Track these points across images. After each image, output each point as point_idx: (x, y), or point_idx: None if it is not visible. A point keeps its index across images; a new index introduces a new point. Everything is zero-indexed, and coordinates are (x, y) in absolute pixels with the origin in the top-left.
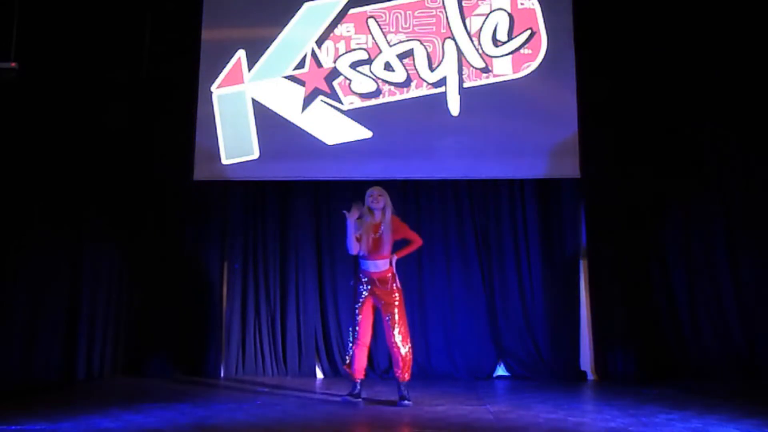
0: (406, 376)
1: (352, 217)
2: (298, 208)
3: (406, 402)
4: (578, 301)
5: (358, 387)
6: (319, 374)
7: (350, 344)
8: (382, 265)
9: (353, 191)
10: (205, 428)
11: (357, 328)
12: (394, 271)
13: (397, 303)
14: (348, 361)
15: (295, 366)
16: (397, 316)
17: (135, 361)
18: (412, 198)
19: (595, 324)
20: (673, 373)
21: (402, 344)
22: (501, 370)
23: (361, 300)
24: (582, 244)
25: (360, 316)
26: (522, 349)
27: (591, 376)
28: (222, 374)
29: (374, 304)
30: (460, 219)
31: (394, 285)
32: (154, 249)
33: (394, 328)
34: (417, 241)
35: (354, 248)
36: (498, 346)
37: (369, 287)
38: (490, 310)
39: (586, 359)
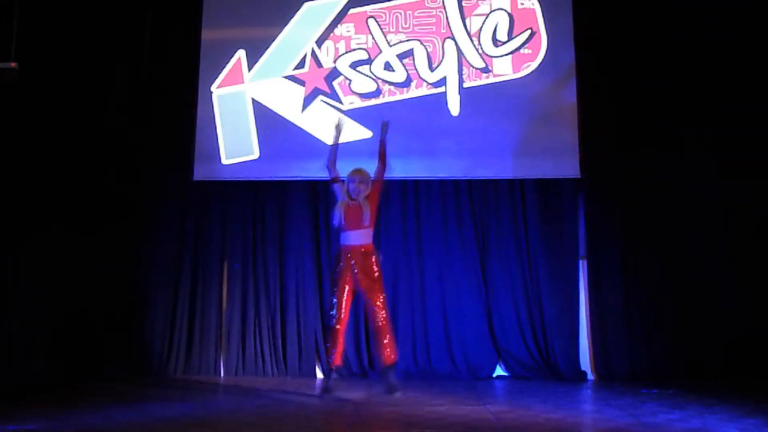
0: (394, 357)
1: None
2: (298, 208)
3: (398, 393)
4: (578, 301)
5: (335, 375)
6: (319, 374)
7: (334, 326)
8: (363, 237)
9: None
10: (205, 428)
11: (335, 309)
12: (375, 248)
13: (377, 279)
14: (329, 345)
15: (295, 366)
16: (378, 294)
17: (134, 360)
18: (412, 198)
19: (595, 324)
20: (674, 373)
21: (387, 321)
22: (501, 370)
23: (339, 280)
24: (582, 244)
25: (339, 295)
26: (522, 349)
27: (591, 376)
28: (222, 374)
29: (353, 286)
30: (460, 219)
31: (375, 259)
32: (153, 249)
33: (376, 308)
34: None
35: (337, 219)
36: (498, 346)
37: (350, 263)
38: (490, 309)
39: (586, 359)
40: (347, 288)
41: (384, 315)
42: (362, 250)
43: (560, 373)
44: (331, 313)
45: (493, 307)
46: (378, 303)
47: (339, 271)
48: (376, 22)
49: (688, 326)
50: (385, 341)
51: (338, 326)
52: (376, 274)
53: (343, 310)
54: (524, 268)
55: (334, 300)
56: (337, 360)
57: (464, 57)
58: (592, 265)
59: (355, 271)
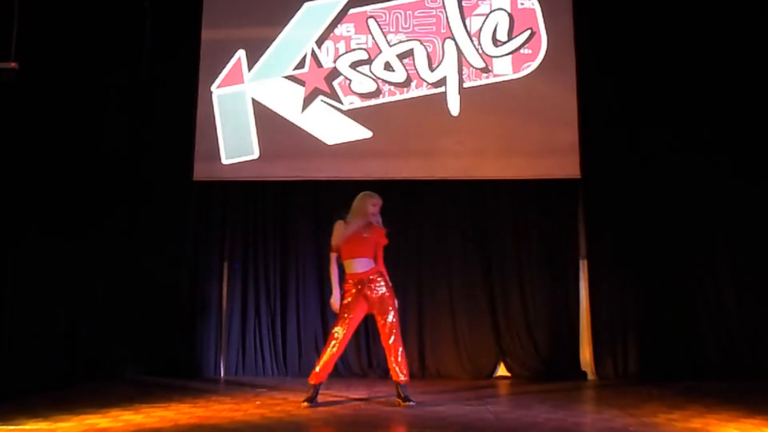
0: (406, 378)
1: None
2: (298, 208)
3: (411, 403)
4: (578, 301)
5: (318, 389)
6: None
7: (330, 351)
8: (366, 265)
9: (353, 191)
10: (205, 428)
11: (341, 335)
12: (384, 270)
13: (391, 304)
14: (318, 370)
15: (295, 366)
16: (392, 317)
17: (135, 361)
18: (413, 198)
19: (595, 324)
20: (673, 373)
21: (400, 346)
22: (501, 370)
23: (351, 306)
24: (582, 244)
25: (350, 323)
26: (522, 349)
27: (591, 376)
28: (222, 374)
29: (365, 308)
30: (460, 219)
31: (384, 283)
32: (154, 249)
33: (391, 330)
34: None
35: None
36: (498, 346)
37: (359, 288)
38: (490, 310)
39: (586, 359)
40: (359, 316)
41: (399, 333)
42: (372, 276)
43: (560, 373)
44: (336, 341)
45: (493, 307)
46: (394, 323)
47: (350, 302)
48: (376, 22)
49: (688, 326)
50: (403, 361)
51: (337, 353)
52: (391, 299)
53: (348, 338)
54: (524, 268)
55: (345, 328)
56: (325, 378)
57: (464, 57)
58: (592, 265)
59: (367, 298)
